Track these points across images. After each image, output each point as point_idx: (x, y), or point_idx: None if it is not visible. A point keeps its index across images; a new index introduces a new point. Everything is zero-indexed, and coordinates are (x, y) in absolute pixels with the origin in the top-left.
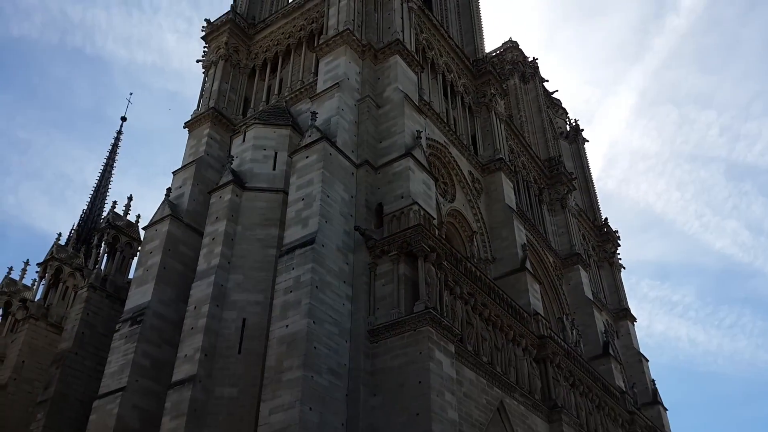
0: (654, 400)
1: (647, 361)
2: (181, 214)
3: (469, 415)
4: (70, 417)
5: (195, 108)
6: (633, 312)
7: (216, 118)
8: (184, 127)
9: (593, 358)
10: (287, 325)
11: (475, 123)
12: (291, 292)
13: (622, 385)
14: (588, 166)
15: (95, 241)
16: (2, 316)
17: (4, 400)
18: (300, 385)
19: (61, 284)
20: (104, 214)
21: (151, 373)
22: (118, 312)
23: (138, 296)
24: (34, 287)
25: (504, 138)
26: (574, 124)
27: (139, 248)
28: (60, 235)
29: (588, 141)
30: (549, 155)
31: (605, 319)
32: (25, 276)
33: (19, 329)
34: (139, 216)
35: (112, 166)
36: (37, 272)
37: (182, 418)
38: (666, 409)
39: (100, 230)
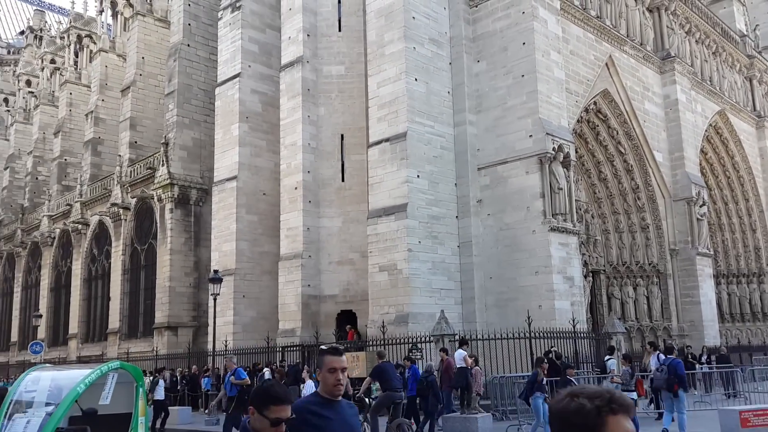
0: None
1: None
2: None
3: (576, 73)
4: (198, 105)
5: None
6: None
7: None
8: None
9: (713, 0)
10: None
11: None
12: None
13: (743, 28)
14: None
15: None
16: (112, 16)
17: (138, 95)
18: (403, 57)
19: None
20: None
21: (261, 59)
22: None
23: None
24: None
25: None
26: None
27: None
28: None
29: None
30: None
31: None
32: None
33: (130, 27)
34: None
35: None
36: None
37: (298, 98)
38: None
39: None
